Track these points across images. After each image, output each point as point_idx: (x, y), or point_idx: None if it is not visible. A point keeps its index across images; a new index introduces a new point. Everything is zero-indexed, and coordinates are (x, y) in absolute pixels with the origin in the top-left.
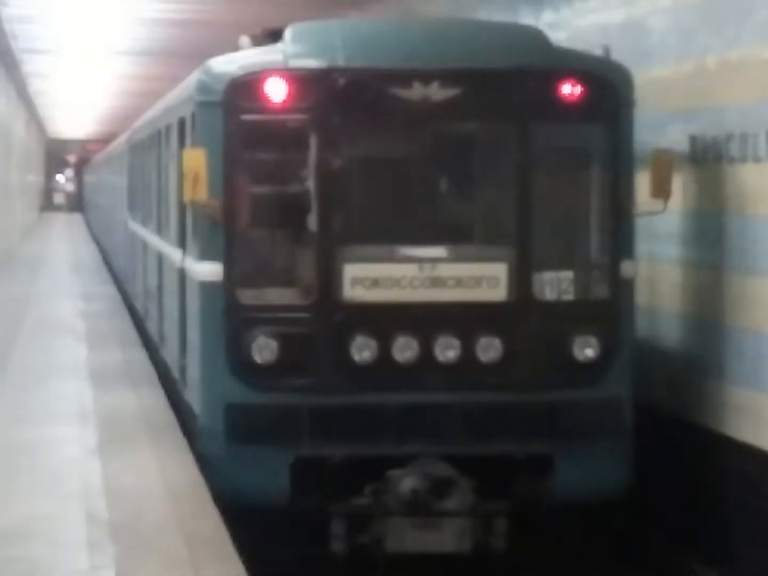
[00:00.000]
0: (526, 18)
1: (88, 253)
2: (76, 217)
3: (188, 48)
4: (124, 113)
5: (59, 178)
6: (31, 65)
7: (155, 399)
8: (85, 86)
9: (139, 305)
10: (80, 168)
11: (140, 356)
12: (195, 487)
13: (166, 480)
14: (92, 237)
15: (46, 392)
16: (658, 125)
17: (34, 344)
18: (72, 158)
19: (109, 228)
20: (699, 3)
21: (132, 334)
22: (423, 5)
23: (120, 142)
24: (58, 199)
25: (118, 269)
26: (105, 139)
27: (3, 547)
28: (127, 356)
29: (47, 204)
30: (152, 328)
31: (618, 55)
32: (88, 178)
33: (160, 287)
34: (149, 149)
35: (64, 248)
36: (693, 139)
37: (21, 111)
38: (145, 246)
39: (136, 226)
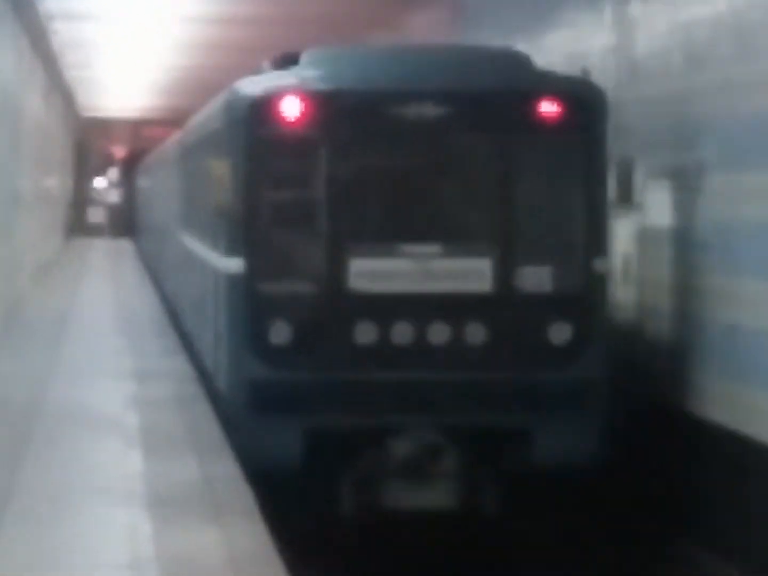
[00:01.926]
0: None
1: (144, 303)
2: (125, 246)
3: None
4: (188, 84)
5: (98, 182)
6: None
7: (256, 543)
8: (136, 47)
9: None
10: (131, 166)
11: (229, 471)
12: None
13: None
14: (150, 276)
15: (78, 527)
16: None
17: (58, 450)
18: (118, 151)
19: (177, 262)
20: None
21: (214, 435)
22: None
23: (174, 141)
24: (96, 216)
25: (186, 320)
26: (169, 120)
27: None
28: (207, 472)
29: (78, 224)
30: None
31: None
32: (144, 182)
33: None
34: (195, 156)
35: (104, 296)
36: None
37: (38, 73)
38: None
39: (190, 241)
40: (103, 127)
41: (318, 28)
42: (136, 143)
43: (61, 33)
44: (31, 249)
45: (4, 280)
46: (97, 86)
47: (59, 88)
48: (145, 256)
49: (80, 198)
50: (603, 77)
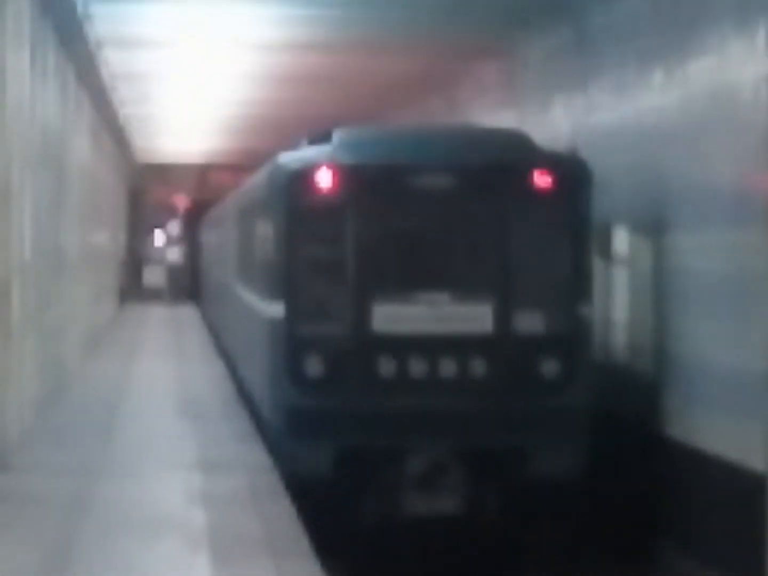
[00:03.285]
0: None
1: (209, 379)
2: (187, 313)
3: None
4: (261, 122)
5: (155, 238)
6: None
7: None
8: (200, 85)
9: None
10: (195, 219)
11: None
12: None
13: None
14: (216, 348)
15: None
16: None
17: (108, 559)
18: (180, 200)
19: (234, 315)
20: None
21: (293, 534)
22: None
23: (232, 199)
24: (153, 277)
25: (240, 365)
26: (238, 164)
27: None
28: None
29: (133, 287)
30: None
31: None
32: (209, 237)
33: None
34: (247, 216)
35: (164, 371)
36: None
37: (85, 110)
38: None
39: (243, 293)
40: (162, 172)
41: (394, 55)
42: (200, 191)
43: (111, 63)
44: (78, 317)
45: (49, 354)
46: (155, 125)
47: (111, 128)
48: (210, 324)
49: (135, 256)
50: None
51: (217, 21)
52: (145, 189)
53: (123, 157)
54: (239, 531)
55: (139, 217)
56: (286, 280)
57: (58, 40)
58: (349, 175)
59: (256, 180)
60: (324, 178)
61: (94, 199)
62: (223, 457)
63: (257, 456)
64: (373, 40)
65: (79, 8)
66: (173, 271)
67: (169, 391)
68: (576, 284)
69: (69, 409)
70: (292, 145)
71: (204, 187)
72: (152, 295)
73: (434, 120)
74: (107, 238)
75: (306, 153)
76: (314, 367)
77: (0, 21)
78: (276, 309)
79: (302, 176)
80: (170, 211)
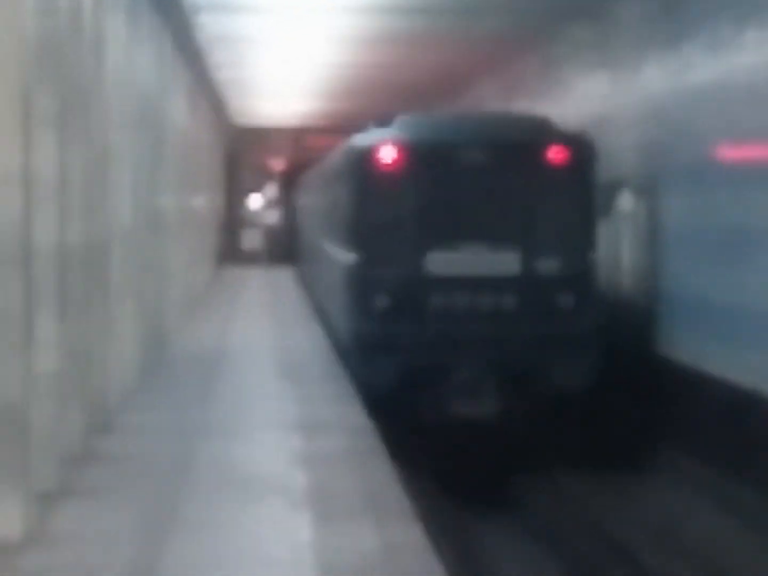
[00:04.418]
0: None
1: (308, 341)
2: (285, 275)
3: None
4: (356, 85)
5: (252, 201)
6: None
7: None
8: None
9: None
10: (292, 182)
11: (413, 539)
12: None
13: None
14: (315, 309)
15: None
16: None
17: (212, 519)
18: (277, 164)
19: (322, 266)
20: None
21: (395, 496)
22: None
23: (323, 165)
24: (251, 240)
25: (324, 302)
26: (334, 127)
27: None
28: (388, 539)
29: (230, 250)
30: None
31: None
32: (306, 200)
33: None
34: (332, 183)
35: (262, 334)
36: None
37: (182, 75)
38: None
39: (329, 247)
40: (259, 136)
41: (488, 18)
42: (296, 154)
43: (207, 27)
44: (178, 280)
45: (148, 316)
46: (251, 89)
47: (207, 92)
48: (308, 286)
49: (233, 220)
50: None
51: None
52: (241, 152)
53: (220, 121)
54: (339, 491)
55: (237, 181)
56: (359, 234)
57: (155, 5)
58: (406, 152)
59: (337, 155)
60: (387, 154)
61: (191, 164)
62: (321, 418)
63: (356, 417)
64: (465, 2)
65: None
66: (270, 234)
67: (267, 353)
68: (584, 236)
69: (169, 371)
70: (362, 128)
71: (300, 150)
72: (250, 258)
73: (526, 81)
74: (205, 202)
75: (373, 134)
76: (380, 301)
77: None
78: (352, 257)
79: (370, 152)
80: (267, 175)
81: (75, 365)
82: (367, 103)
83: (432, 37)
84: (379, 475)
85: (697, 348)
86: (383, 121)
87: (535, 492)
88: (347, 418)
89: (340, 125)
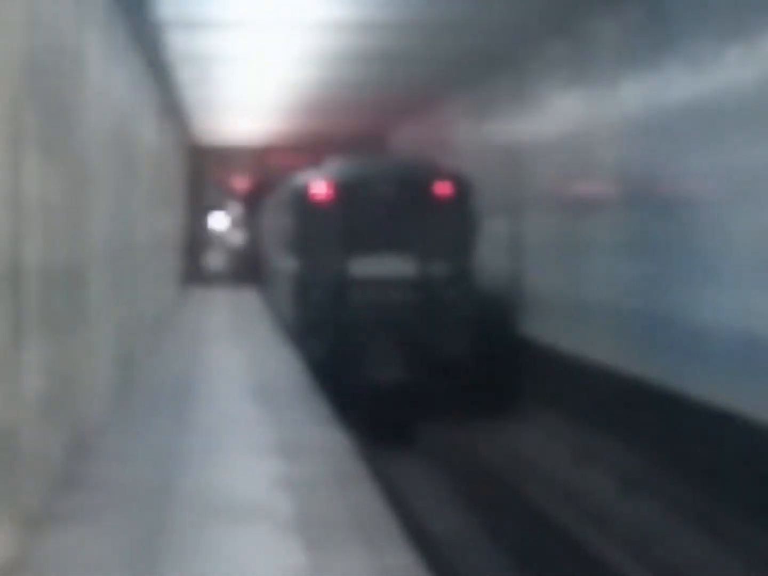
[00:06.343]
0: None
1: (278, 361)
2: (249, 297)
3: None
4: (322, 103)
5: (215, 220)
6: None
7: None
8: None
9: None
10: (256, 202)
11: (405, 562)
12: None
13: None
14: (284, 329)
15: None
16: None
17: (199, 546)
18: (240, 183)
19: (278, 278)
20: None
21: (383, 519)
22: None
23: (280, 190)
24: (214, 260)
25: (278, 302)
26: (299, 145)
27: None
28: (380, 564)
29: (192, 270)
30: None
31: None
32: (270, 220)
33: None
34: (282, 208)
35: (232, 354)
36: None
37: (152, 92)
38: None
39: (283, 259)
40: (222, 155)
41: (470, 35)
42: (261, 174)
43: (173, 44)
44: (148, 303)
45: (123, 341)
46: (215, 107)
47: (172, 110)
48: (275, 308)
49: (196, 240)
50: None
51: (278, 2)
52: (205, 171)
53: (184, 139)
54: (328, 517)
55: (200, 200)
56: (300, 246)
57: (126, 22)
58: (334, 187)
59: (285, 188)
60: (320, 188)
61: (159, 184)
62: (300, 441)
63: (336, 439)
64: (436, 19)
65: None
66: (233, 256)
67: (239, 374)
68: (464, 247)
69: (141, 395)
70: (304, 170)
71: (264, 169)
72: (211, 279)
73: (495, 98)
74: (170, 222)
75: (310, 174)
76: (316, 295)
77: (76, 5)
78: (296, 263)
79: (307, 187)
80: (231, 194)
81: (59, 388)
82: (333, 122)
83: (402, 55)
84: (365, 498)
85: (541, 327)
86: (318, 165)
87: (433, 433)
88: (326, 440)
89: (305, 144)
